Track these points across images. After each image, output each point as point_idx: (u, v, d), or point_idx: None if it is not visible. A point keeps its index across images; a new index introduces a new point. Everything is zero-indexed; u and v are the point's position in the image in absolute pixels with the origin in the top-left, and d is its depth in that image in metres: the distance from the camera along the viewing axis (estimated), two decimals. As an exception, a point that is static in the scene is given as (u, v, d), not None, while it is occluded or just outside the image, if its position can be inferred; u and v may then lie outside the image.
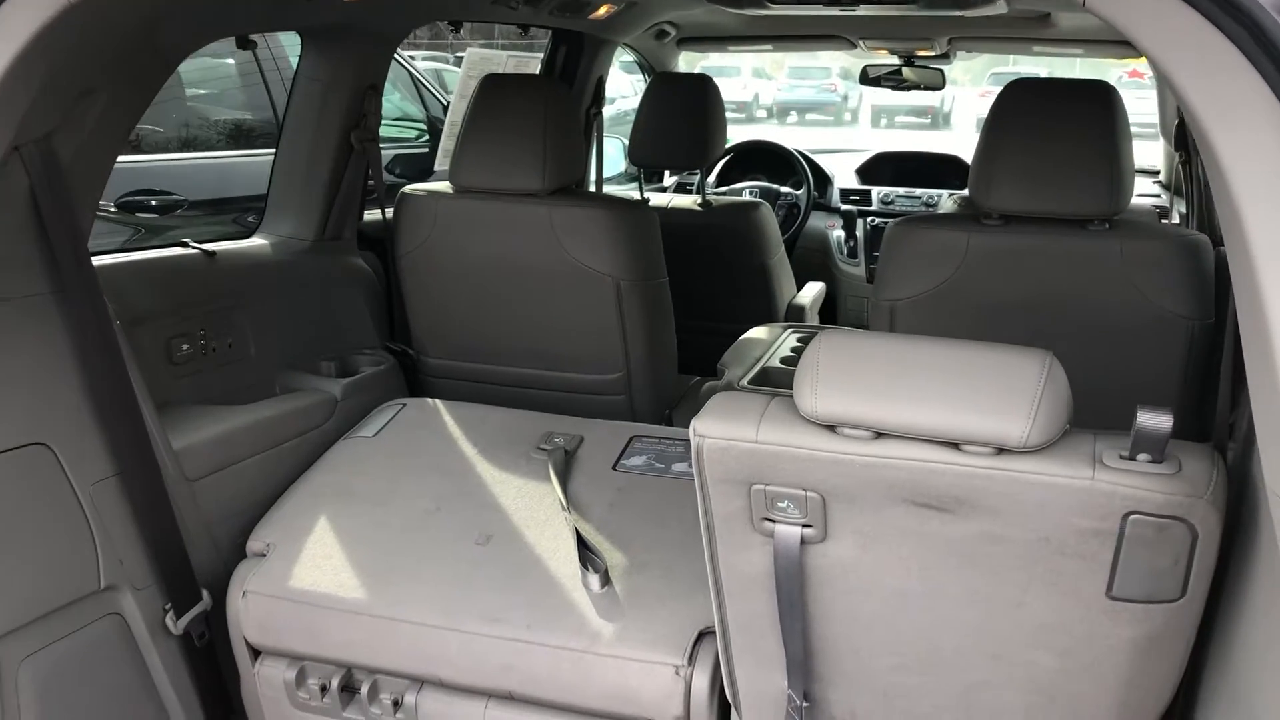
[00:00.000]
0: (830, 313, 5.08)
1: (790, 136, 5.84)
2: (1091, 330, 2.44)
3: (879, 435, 1.41)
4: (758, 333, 3.65)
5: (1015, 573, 1.45)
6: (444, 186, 2.95)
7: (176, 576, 2.20)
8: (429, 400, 2.73)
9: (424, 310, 3.03)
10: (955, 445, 1.38)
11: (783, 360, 3.37)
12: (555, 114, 2.78)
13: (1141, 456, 1.33)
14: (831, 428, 1.43)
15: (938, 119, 24.95)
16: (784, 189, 5.13)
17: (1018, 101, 2.46)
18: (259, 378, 2.68)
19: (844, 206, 5.21)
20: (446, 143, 3.51)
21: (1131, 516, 1.33)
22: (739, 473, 1.48)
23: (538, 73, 4.01)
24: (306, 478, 2.46)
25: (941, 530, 1.44)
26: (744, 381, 3.16)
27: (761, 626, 1.66)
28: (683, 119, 3.86)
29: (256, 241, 2.82)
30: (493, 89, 2.85)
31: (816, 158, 5.37)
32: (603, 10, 3.63)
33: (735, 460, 1.47)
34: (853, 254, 5.14)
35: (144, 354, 2.34)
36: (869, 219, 5.17)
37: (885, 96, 24.00)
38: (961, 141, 17.87)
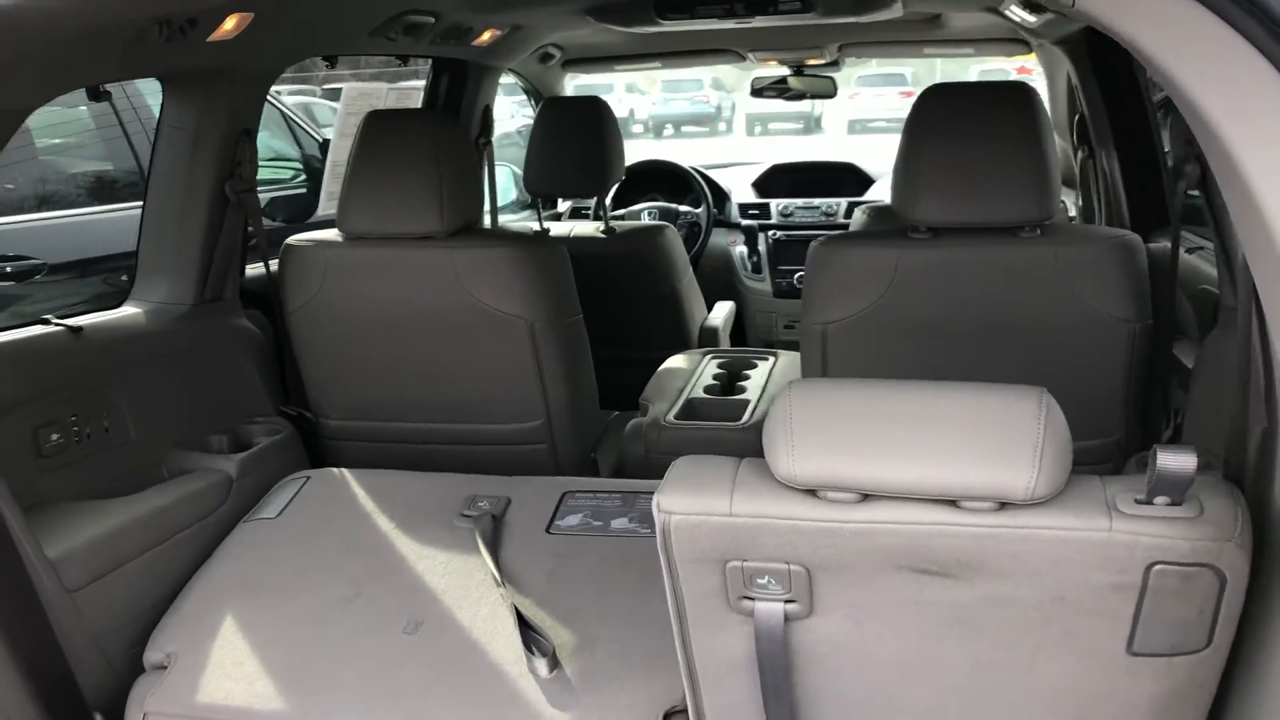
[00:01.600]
0: (739, 330, 4.97)
1: (671, 151, 5.73)
2: (1030, 340, 2.35)
3: (866, 497, 1.26)
4: (676, 362, 3.50)
5: (1025, 636, 1.31)
6: (332, 234, 2.72)
7: (62, 702, 1.92)
8: (334, 471, 2.50)
9: (319, 369, 2.79)
10: (953, 503, 1.23)
11: (706, 390, 3.22)
12: (448, 149, 2.58)
13: (1159, 500, 1.20)
14: (813, 492, 1.27)
15: (810, 124, 25.30)
16: (683, 208, 5.00)
17: (936, 108, 2.35)
18: (144, 462, 2.42)
19: (744, 222, 5.10)
20: (331, 185, 3.28)
21: (1155, 567, 1.20)
22: (712, 550, 1.31)
23: (420, 104, 3.80)
24: (205, 572, 2.21)
25: (943, 597, 1.29)
26: (670, 417, 3.01)
27: (743, 714, 1.49)
28: (579, 144, 3.69)
29: (128, 311, 2.54)
30: (377, 127, 2.64)
31: (711, 173, 5.26)
32: (486, 36, 3.44)
33: (708, 537, 1.29)
34: (757, 269, 5.04)
35: (6, 449, 2.07)
36: (770, 233, 5.07)
37: (757, 105, 24.36)
38: (836, 145, 18.11)
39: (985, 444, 1.20)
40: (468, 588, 2.07)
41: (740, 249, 5.07)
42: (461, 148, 2.64)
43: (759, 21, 3.27)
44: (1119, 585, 1.22)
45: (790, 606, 1.35)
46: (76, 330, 2.29)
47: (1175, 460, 1.14)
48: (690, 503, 1.29)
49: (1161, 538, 1.19)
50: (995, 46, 4.22)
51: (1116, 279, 2.28)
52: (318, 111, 8.56)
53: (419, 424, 2.80)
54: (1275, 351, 1.17)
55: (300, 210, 4.79)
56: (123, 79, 2.49)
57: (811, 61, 4.52)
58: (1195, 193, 2.17)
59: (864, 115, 24.01)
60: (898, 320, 2.38)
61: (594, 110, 3.71)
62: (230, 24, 2.18)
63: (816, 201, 5.13)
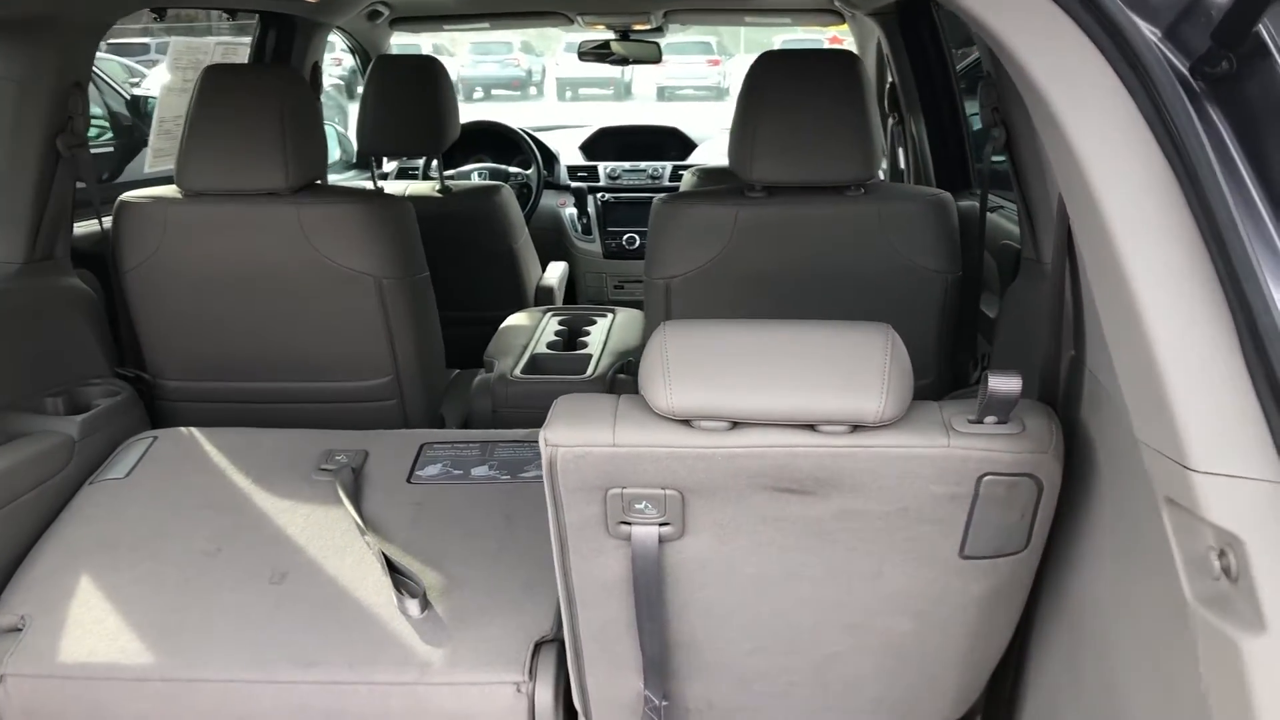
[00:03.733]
0: (570, 291, 5.07)
1: (484, 113, 5.74)
2: (855, 290, 2.54)
3: (735, 425, 1.38)
4: (517, 319, 3.57)
5: (873, 545, 1.47)
6: (170, 190, 2.66)
7: (-93, 672, 1.87)
8: (182, 430, 2.47)
9: (157, 329, 2.73)
10: (811, 427, 1.38)
11: (549, 345, 3.32)
12: (294, 104, 2.57)
13: (989, 419, 1.37)
14: (687, 422, 1.39)
15: (620, 90, 25.45)
16: (512, 169, 5.04)
17: (769, 74, 2.50)
18: None
19: (574, 184, 5.19)
20: (158, 141, 3.17)
21: (985, 478, 1.38)
22: (595, 479, 1.41)
23: (247, 60, 3.71)
24: (54, 533, 2.16)
25: (801, 513, 1.44)
26: (516, 372, 3.09)
27: (616, 631, 1.61)
28: (413, 104, 3.70)
29: (-49, 268, 2.43)
30: (219, 81, 2.60)
31: (539, 135, 5.32)
32: (320, -11, 3.40)
33: (592, 467, 1.40)
34: (587, 230, 5.14)
35: None
36: (599, 195, 5.18)
37: (568, 70, 24.29)
38: (647, 110, 18.11)
39: (840, 374, 1.35)
40: (331, 537, 2.11)
41: (570, 210, 5.16)
42: (307, 102, 2.63)
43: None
44: (954, 495, 1.40)
45: (664, 529, 1.47)
46: (-102, 289, 2.19)
47: (1003, 384, 1.32)
48: (576, 435, 1.38)
49: (990, 451, 1.36)
50: (811, 17, 4.44)
51: (932, 234, 2.49)
52: (106, 67, 8.09)
53: (263, 383, 2.78)
54: (1084, 287, 1.35)
55: (112, 168, 4.58)
56: None
57: (638, 26, 4.63)
58: (1000, 157, 2.39)
59: (672, 83, 24.36)
60: (736, 273, 2.52)
61: (428, 69, 3.72)
62: (70, -32, 2.11)
63: (643, 165, 5.27)
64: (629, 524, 1.47)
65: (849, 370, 1.35)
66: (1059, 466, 1.39)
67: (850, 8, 3.67)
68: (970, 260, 2.59)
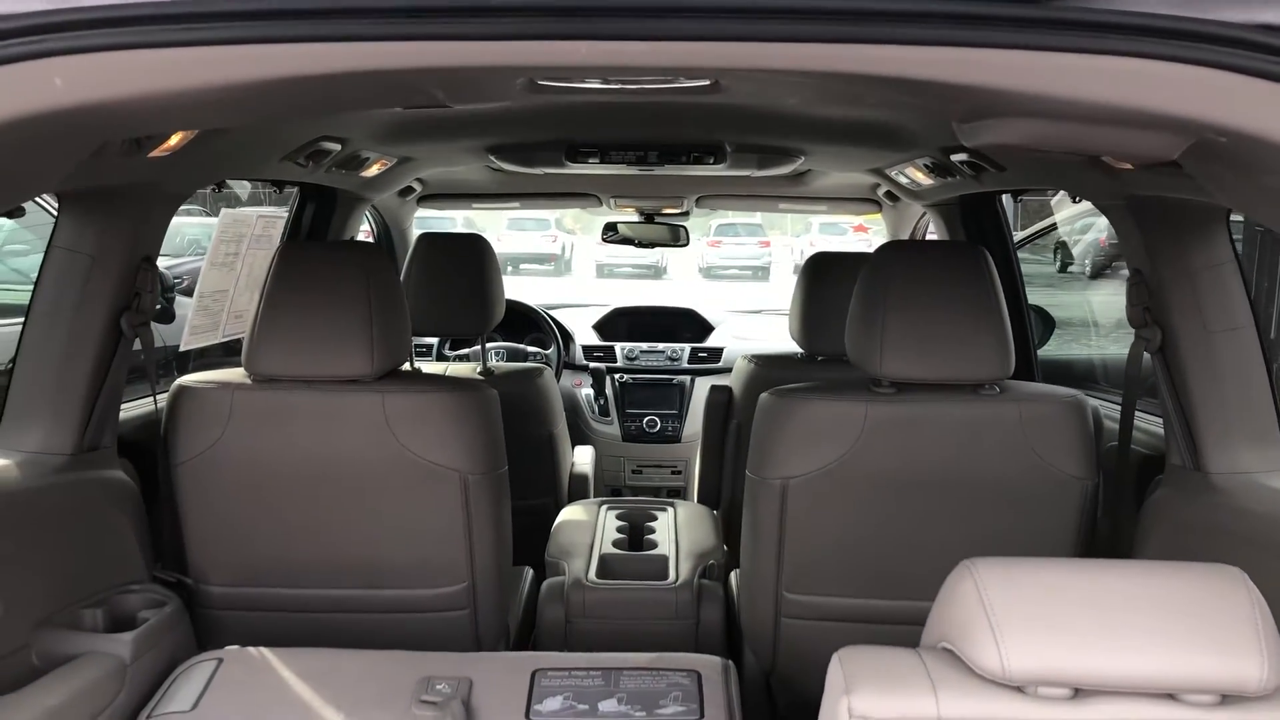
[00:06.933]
0: (588, 476, 4.83)
1: (520, 290, 5.60)
2: (989, 498, 2.36)
3: (1077, 692, 1.15)
4: (573, 513, 3.33)
5: None
6: (235, 375, 2.42)
7: None
8: (252, 651, 2.15)
9: (207, 529, 2.44)
10: (1171, 696, 1.15)
11: (614, 544, 3.07)
12: (380, 284, 2.37)
13: None
14: (1018, 689, 1.16)
15: (656, 270, 25.31)
16: (530, 349, 4.86)
17: (896, 265, 2.37)
18: (11, 646, 1.99)
19: (591, 364, 5.01)
20: (196, 318, 2.94)
21: None
22: None
23: (283, 232, 3.52)
24: (113, 786, 1.82)
25: None
26: (590, 576, 2.83)
27: None
28: (460, 282, 3.52)
29: (-2, 462, 2.13)
30: (297, 256, 2.41)
31: (554, 314, 5.18)
32: (375, 168, 3.25)
33: (908, 744, 1.15)
34: (604, 412, 4.95)
35: None
36: (617, 376, 5.01)
37: (605, 252, 24.45)
38: (681, 290, 18.10)
39: (1204, 630, 1.13)
40: (449, 790, 1.80)
41: (586, 391, 4.97)
42: (392, 282, 2.43)
43: (665, 170, 3.27)
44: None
45: None
46: (-58, 489, 1.89)
47: None
48: (891, 704, 1.14)
49: None
50: (849, 205, 4.41)
51: (1073, 436, 2.34)
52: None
53: (320, 590, 2.48)
54: None
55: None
56: (57, 191, 2.13)
57: (667, 210, 4.57)
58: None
59: (722, 262, 24.89)
60: (862, 476, 2.33)
61: (475, 247, 3.56)
62: (175, 140, 1.92)
63: (661, 345, 5.13)
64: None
65: (1214, 624, 1.14)
66: None
67: (916, 199, 3.61)
68: (1119, 463, 2.43)
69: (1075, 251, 9.24)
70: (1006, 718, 1.14)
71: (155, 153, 1.91)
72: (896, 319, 2.28)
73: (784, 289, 19.70)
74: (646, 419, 4.92)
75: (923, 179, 3.21)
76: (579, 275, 25.74)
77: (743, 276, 24.28)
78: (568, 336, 5.09)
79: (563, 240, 27.20)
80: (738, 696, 2.01)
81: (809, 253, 3.63)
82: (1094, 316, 7.86)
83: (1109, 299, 9.41)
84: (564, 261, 27.22)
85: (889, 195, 4.05)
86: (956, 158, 2.75)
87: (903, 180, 3.39)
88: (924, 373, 2.30)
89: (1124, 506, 2.46)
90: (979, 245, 2.46)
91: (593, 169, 3.25)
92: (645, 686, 2.04)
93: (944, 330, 2.29)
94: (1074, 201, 2.74)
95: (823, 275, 3.38)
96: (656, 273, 25.13)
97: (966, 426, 2.33)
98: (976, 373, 2.31)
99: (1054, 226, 5.58)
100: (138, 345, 2.35)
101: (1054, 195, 3.69)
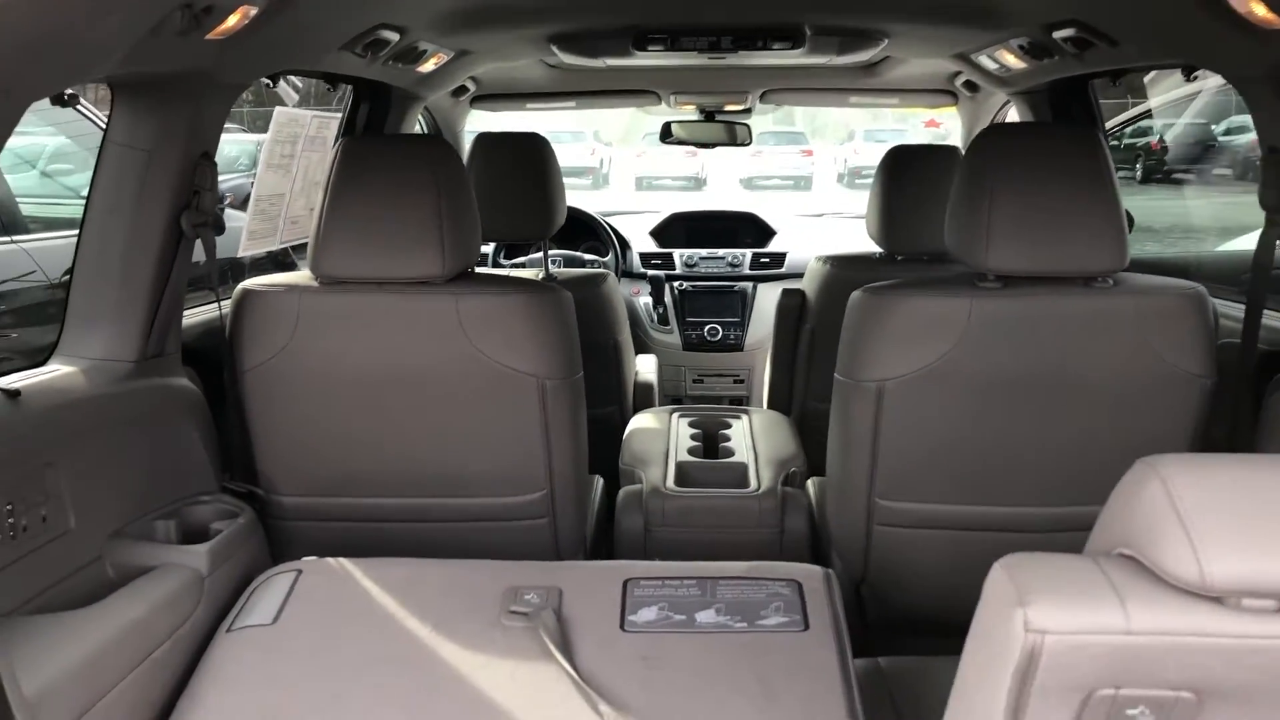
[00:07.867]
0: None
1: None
2: (1101, 399, 2.21)
3: None
4: (644, 421, 3.22)
5: None
6: (302, 277, 2.31)
7: None
8: (331, 562, 2.07)
9: (276, 437, 2.35)
10: None
11: (690, 452, 2.96)
12: (449, 179, 2.24)
13: None
14: (1218, 600, 1.02)
15: (697, 182, 24.69)
16: (586, 256, 4.72)
17: (999, 152, 2.20)
18: (83, 557, 1.92)
19: (650, 272, 4.87)
20: (254, 223, 2.82)
21: None
22: (1089, 676, 1.04)
23: (337, 132, 3.38)
24: (197, 697, 1.74)
25: None
26: (668, 484, 2.72)
27: None
28: (522, 184, 3.37)
29: (64, 369, 2.04)
30: (360, 153, 2.27)
31: (610, 221, 5.02)
32: (431, 63, 3.09)
33: (1092, 661, 1.02)
34: (663, 320, 4.81)
35: None
36: (676, 283, 4.87)
37: (643, 165, 23.89)
38: (720, 199, 17.74)
39: None
40: (546, 703, 1.71)
41: (645, 299, 4.84)
42: (460, 177, 2.29)
43: (735, 59, 3.08)
44: None
45: None
46: (13, 394, 1.80)
47: None
48: (1074, 617, 1.01)
49: None
50: (923, 97, 4.19)
51: (1193, 333, 2.18)
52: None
53: (395, 499, 2.40)
54: None
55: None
56: (113, 79, 1.99)
57: (730, 107, 4.37)
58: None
59: (762, 173, 24.04)
60: (966, 377, 2.19)
61: (536, 147, 3.41)
62: (234, 19, 1.78)
63: (721, 252, 4.97)
64: (1100, 731, 1.09)
65: None
66: None
67: (1005, 86, 3.40)
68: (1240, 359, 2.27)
69: (1124, 156, 8.93)
70: (1207, 630, 1.01)
71: (213, 34, 1.78)
72: (1004, 207, 2.12)
73: (826, 199, 19.28)
74: (708, 327, 4.79)
75: (1014, 62, 2.99)
76: (617, 189, 25.18)
77: (784, 187, 23.78)
78: (625, 244, 4.94)
79: (600, 153, 26.65)
80: (841, 607, 1.90)
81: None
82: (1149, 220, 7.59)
83: (1159, 203, 9.14)
84: (601, 175, 26.57)
85: (968, 85, 3.82)
86: (1060, 34, 2.55)
87: (990, 65, 3.18)
88: (1034, 265, 2.14)
89: (1244, 406, 2.30)
90: (1093, 130, 2.28)
91: (659, 58, 3.07)
92: (744, 596, 1.93)
93: (1056, 219, 2.13)
94: (1187, 80, 2.54)
95: (903, 170, 3.21)
96: (698, 184, 24.63)
97: (1079, 322, 2.17)
98: (1091, 264, 2.14)
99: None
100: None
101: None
